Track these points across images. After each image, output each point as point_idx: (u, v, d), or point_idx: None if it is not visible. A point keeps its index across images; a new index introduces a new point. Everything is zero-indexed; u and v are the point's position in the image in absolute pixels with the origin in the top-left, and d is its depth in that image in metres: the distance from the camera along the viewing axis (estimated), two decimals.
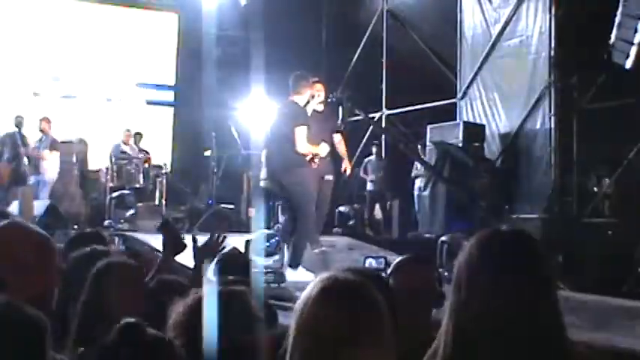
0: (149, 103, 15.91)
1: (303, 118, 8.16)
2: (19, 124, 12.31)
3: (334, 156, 9.24)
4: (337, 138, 9.15)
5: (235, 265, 3.78)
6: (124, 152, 12.95)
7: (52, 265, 2.42)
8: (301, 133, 8.03)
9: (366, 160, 14.36)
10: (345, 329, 1.77)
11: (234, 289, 2.32)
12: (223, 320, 2.13)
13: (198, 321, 2.16)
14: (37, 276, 2.32)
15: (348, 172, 9.66)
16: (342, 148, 9.38)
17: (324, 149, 8.41)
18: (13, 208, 10.55)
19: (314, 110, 8.66)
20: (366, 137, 14.20)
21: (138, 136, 14.22)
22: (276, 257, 8.23)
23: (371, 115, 15.02)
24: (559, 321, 1.96)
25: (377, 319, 1.83)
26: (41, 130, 12.44)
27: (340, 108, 9.09)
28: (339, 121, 9.16)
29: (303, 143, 8.05)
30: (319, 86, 8.86)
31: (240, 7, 15.36)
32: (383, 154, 14.70)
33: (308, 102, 8.45)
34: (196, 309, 2.21)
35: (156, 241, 9.65)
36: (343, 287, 1.85)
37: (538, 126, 11.79)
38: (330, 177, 9.18)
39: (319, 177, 8.83)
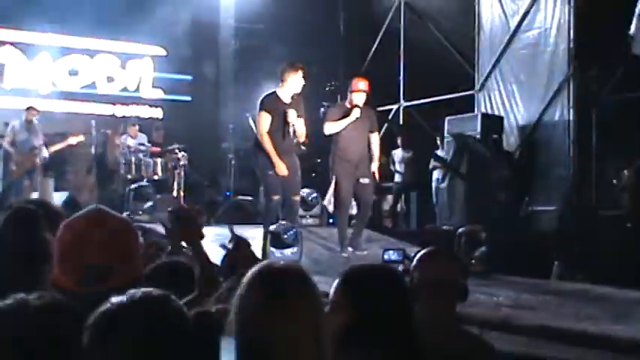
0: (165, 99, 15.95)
1: (266, 105, 8.67)
2: (32, 115, 12.26)
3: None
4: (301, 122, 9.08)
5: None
6: (129, 147, 12.99)
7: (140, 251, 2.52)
8: (261, 118, 8.64)
9: (393, 152, 14.28)
10: (261, 308, 1.99)
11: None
12: None
13: None
14: (136, 261, 2.42)
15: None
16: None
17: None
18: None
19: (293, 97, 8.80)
20: (384, 128, 14.17)
21: (159, 130, 14.24)
22: (294, 249, 8.24)
23: (389, 107, 15.06)
24: None
25: (293, 303, 2.01)
26: (28, 121, 12.25)
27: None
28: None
29: (260, 129, 8.64)
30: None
31: (258, 0, 15.36)
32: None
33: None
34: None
35: None
36: (267, 273, 2.07)
37: (557, 118, 11.75)
38: (366, 180, 9.21)
39: (354, 179, 9.00)
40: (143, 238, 9.58)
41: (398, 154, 14.16)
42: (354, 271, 2.63)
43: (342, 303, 2.48)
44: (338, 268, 2.66)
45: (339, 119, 9.17)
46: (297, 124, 8.66)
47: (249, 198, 13.19)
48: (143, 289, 1.90)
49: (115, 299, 1.86)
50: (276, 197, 8.72)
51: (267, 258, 7.88)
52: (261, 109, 8.71)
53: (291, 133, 8.60)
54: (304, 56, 10.67)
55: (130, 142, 13.25)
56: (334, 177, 9.25)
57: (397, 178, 14.11)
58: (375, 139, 9.38)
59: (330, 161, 9.37)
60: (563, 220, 10.72)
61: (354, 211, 9.56)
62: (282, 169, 8.59)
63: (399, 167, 14.10)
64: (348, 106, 9.25)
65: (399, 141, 14.26)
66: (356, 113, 9.11)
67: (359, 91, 9.22)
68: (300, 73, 8.70)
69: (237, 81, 15.70)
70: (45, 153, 12.16)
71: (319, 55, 14.22)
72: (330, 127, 9.21)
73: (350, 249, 9.32)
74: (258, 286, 2.04)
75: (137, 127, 13.67)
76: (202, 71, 15.85)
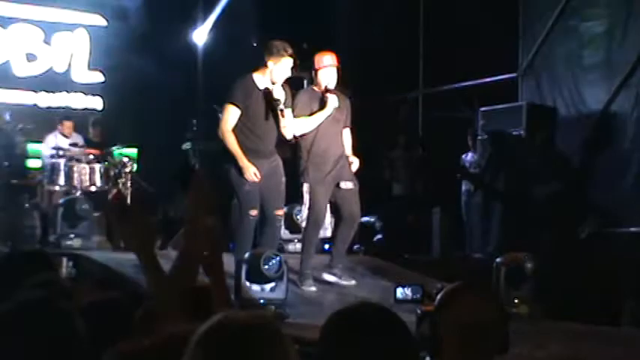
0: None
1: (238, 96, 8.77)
2: None
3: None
4: (288, 113, 9.11)
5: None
6: (58, 148, 12.89)
7: None
8: (226, 112, 8.78)
9: (392, 154, 14.24)
10: None
11: None
12: None
13: None
14: None
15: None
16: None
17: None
18: None
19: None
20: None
21: (98, 126, 14.20)
22: (277, 284, 8.22)
23: (404, 96, 15.04)
24: None
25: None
26: None
27: None
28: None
29: (223, 125, 8.78)
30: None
31: None
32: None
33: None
34: None
35: (117, 262, 9.63)
36: (223, 331, 2.07)
37: (628, 109, 11.73)
38: (349, 185, 9.20)
39: (333, 185, 9.00)
40: (76, 269, 9.48)
41: (400, 156, 14.07)
42: (334, 315, 2.67)
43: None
44: (333, 308, 2.62)
45: (312, 113, 9.15)
46: (283, 107, 8.70)
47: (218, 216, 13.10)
48: None
49: None
50: (254, 213, 8.75)
51: (242, 295, 7.85)
52: (229, 101, 8.76)
53: (279, 115, 8.69)
54: (292, 32, 10.63)
55: (61, 142, 13.16)
56: (307, 185, 9.19)
57: (397, 189, 14.05)
58: (347, 135, 9.38)
59: (300, 165, 9.30)
60: (638, 246, 10.67)
61: (328, 232, 9.55)
62: (251, 173, 8.62)
63: (400, 175, 14.01)
64: (317, 90, 9.25)
65: (399, 139, 14.20)
66: (333, 103, 9.09)
67: (326, 67, 9.19)
68: (288, 60, 8.74)
69: (206, 62, 15.70)
70: None
71: (311, 32, 14.19)
72: (302, 126, 9.14)
73: (333, 278, 9.32)
74: (211, 350, 2.02)
75: (72, 124, 13.60)
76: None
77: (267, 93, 8.66)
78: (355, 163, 9.31)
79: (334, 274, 9.34)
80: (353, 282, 9.30)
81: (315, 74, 9.25)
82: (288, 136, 8.93)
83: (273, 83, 8.73)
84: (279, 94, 8.67)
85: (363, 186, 9.54)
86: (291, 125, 8.85)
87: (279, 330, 2.08)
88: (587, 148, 12.20)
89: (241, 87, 8.78)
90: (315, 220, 9.21)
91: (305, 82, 12.44)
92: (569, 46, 12.63)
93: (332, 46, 10.00)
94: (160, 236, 12.82)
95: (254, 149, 8.70)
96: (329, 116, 9.07)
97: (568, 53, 12.65)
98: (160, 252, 11.57)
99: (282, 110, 8.68)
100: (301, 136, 9.14)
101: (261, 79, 8.75)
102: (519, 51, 13.45)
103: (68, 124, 13.55)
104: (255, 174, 8.61)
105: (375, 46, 14.78)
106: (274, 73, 8.70)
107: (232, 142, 8.67)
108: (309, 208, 9.21)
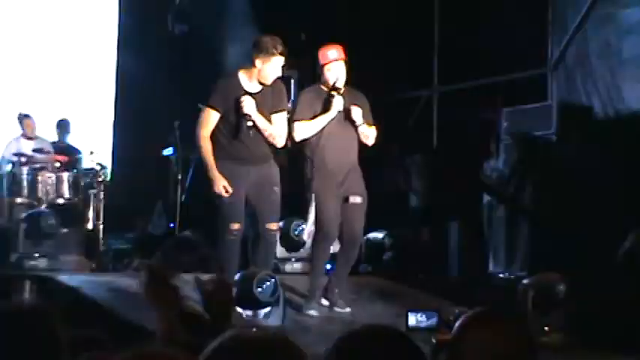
0: None
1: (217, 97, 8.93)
2: None
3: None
4: (278, 119, 9.17)
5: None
6: (20, 154, 12.89)
7: None
8: (203, 116, 9.01)
9: (407, 160, 14.26)
10: None
11: None
12: None
13: None
14: None
15: None
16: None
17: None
18: None
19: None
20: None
21: (62, 128, 14.21)
22: (272, 310, 8.24)
23: (418, 94, 15.05)
24: None
25: None
26: None
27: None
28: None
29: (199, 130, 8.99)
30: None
31: None
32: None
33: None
34: None
35: (90, 285, 9.64)
36: (236, 347, 2.23)
37: None
38: (357, 199, 9.23)
39: (341, 199, 9.07)
40: (40, 294, 9.53)
41: (416, 163, 14.08)
42: (342, 338, 2.72)
43: None
44: (334, 337, 2.65)
45: (315, 116, 9.21)
46: (260, 120, 8.70)
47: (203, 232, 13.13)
48: None
49: None
50: (236, 227, 8.80)
51: (231, 322, 7.85)
52: (206, 103, 8.91)
53: (250, 132, 8.75)
54: (288, 21, 10.66)
55: (23, 146, 13.18)
56: (313, 196, 9.23)
57: (413, 199, 14.05)
58: (370, 133, 9.39)
59: (305, 174, 9.37)
60: None
61: (337, 247, 9.60)
62: (219, 186, 8.71)
63: (416, 184, 14.03)
64: (324, 89, 9.28)
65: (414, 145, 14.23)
66: (338, 104, 9.14)
67: (332, 62, 9.25)
68: (279, 59, 8.79)
69: (190, 57, 15.73)
70: None
71: (308, 23, 14.23)
72: (302, 130, 9.22)
73: (326, 302, 9.39)
74: None
75: (33, 122, 13.61)
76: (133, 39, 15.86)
77: (239, 106, 8.69)
78: (368, 134, 9.33)
79: (328, 299, 9.38)
80: (348, 309, 9.34)
81: (321, 71, 9.30)
82: (279, 144, 9.01)
83: (261, 84, 8.77)
84: (249, 107, 8.68)
85: (372, 197, 9.56)
86: (278, 132, 8.87)
87: (294, 345, 2.26)
88: (628, 152, 12.17)
89: (222, 88, 8.87)
90: (325, 234, 9.28)
91: (292, 81, 12.56)
92: (607, 36, 12.62)
93: (333, 36, 10.02)
94: (137, 255, 12.85)
95: (237, 155, 8.79)
96: (333, 119, 9.09)
97: (605, 44, 12.64)
98: (137, 274, 11.72)
99: (249, 127, 8.69)
100: (302, 142, 9.19)
101: (247, 79, 8.79)
102: (549, 42, 13.43)
103: (29, 122, 13.55)
104: (225, 187, 8.67)
105: (382, 37, 14.79)
106: (262, 73, 8.75)
107: (206, 149, 8.79)
108: (317, 221, 9.28)
